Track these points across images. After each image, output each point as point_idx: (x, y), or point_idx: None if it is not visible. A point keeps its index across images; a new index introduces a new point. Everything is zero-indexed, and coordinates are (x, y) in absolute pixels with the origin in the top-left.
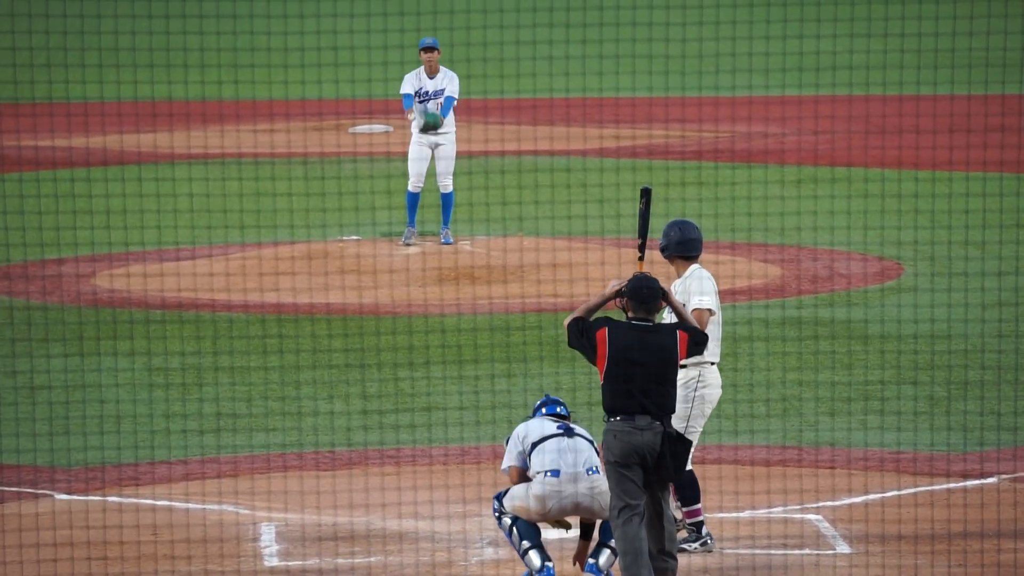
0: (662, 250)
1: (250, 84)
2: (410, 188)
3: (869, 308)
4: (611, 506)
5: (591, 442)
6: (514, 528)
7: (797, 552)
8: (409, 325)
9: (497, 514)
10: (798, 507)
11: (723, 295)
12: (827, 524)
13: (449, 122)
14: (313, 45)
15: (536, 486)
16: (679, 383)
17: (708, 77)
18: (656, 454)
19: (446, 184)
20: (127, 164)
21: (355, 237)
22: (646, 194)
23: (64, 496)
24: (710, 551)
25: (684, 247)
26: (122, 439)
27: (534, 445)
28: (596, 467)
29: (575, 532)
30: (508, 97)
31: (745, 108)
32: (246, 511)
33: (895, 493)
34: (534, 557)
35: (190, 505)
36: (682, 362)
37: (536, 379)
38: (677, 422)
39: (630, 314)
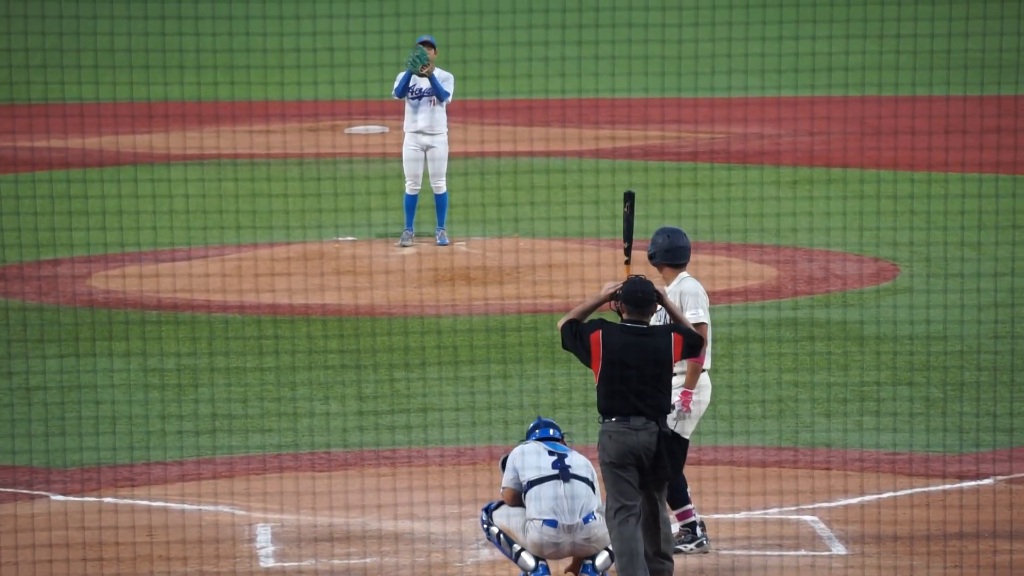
0: (650, 257)
1: (246, 85)
2: (407, 191)
3: (865, 309)
4: (607, 507)
5: (588, 482)
6: (502, 535)
7: (793, 553)
8: (405, 326)
9: (485, 525)
10: (794, 508)
11: (719, 296)
12: (823, 525)
13: (441, 124)
14: (309, 46)
15: (533, 532)
16: (672, 390)
17: (704, 78)
18: (652, 454)
19: (439, 186)
20: (123, 165)
21: (351, 238)
22: (630, 198)
23: (60, 497)
24: (706, 552)
25: (672, 255)
26: (118, 440)
27: (531, 483)
28: (593, 513)
29: None
30: (504, 98)
31: (741, 109)
32: (242, 512)
33: (891, 494)
34: (527, 558)
35: (186, 506)
36: (676, 370)
37: (532, 380)
38: (669, 424)
39: (624, 316)
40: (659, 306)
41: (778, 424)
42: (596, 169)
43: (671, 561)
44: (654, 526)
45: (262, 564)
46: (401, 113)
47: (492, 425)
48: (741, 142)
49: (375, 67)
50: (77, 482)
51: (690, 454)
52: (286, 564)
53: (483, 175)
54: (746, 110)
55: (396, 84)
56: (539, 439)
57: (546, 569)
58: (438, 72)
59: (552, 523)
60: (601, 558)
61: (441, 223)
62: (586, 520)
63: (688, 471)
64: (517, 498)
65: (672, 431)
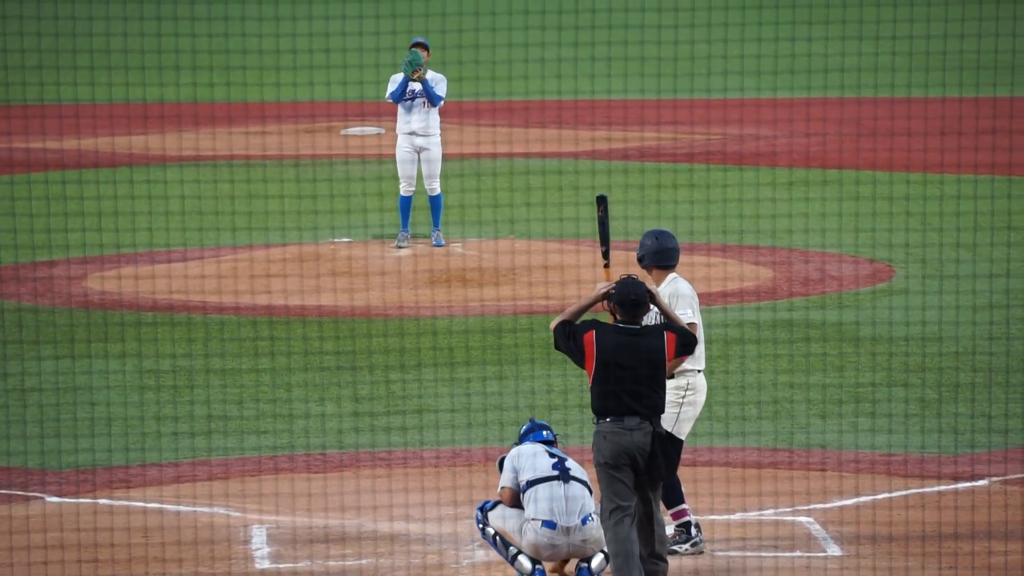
0: (639, 260)
1: (242, 86)
2: (402, 192)
3: (860, 310)
4: (602, 508)
5: (585, 484)
6: (498, 536)
7: (788, 554)
8: (400, 327)
9: (480, 525)
10: (789, 509)
11: (715, 297)
12: (818, 526)
13: (434, 125)
14: (305, 47)
15: (530, 533)
16: (668, 391)
17: (700, 79)
18: (647, 454)
19: (433, 187)
20: (119, 166)
21: (346, 239)
22: (602, 201)
23: (55, 498)
24: (701, 552)
25: (661, 256)
26: (113, 441)
27: (529, 483)
28: (591, 514)
29: None
30: (500, 99)
31: (737, 110)
32: (237, 513)
33: (886, 495)
34: (524, 561)
35: (181, 507)
36: (670, 371)
37: (528, 381)
38: (665, 426)
39: (617, 317)
40: (652, 306)
41: (773, 425)
42: (592, 170)
43: (665, 562)
44: (648, 527)
45: (257, 566)
46: (395, 115)
47: (487, 426)
48: (737, 143)
49: (371, 68)
50: (72, 483)
51: (685, 455)
52: (281, 566)
53: (479, 176)
54: (742, 111)
55: (392, 88)
56: (536, 442)
57: (543, 573)
58: (431, 74)
59: (551, 524)
60: (597, 560)
61: (436, 224)
62: (584, 522)
63: (683, 472)
64: (515, 498)
65: (667, 431)
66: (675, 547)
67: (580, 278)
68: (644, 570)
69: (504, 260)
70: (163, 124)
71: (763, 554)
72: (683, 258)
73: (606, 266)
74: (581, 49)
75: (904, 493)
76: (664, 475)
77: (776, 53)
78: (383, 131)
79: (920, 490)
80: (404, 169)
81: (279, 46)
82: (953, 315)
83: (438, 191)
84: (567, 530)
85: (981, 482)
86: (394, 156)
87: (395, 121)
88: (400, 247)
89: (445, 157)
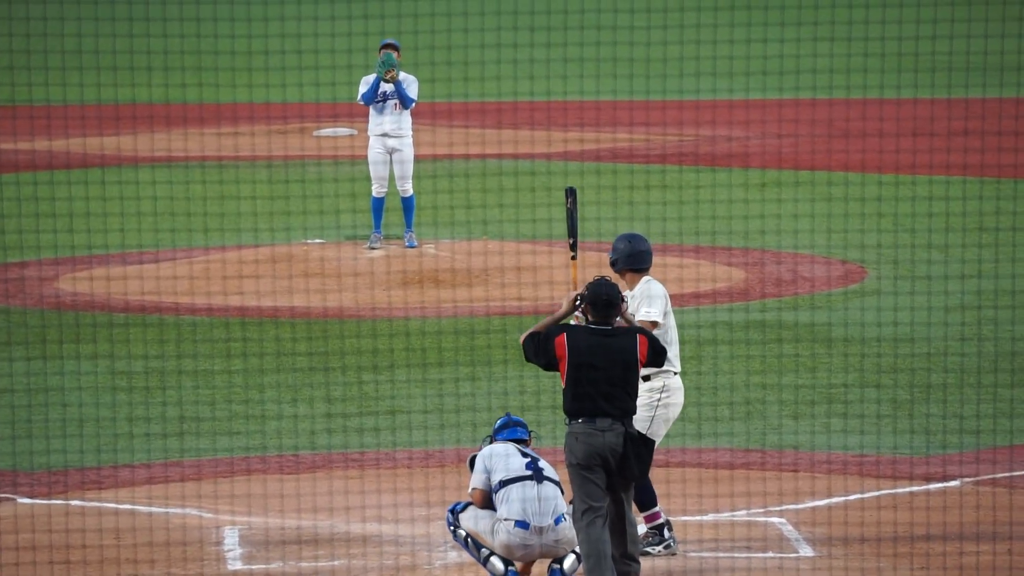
0: (612, 264)
1: (214, 87)
2: (374, 193)
3: (832, 311)
4: (574, 509)
5: (557, 484)
6: (470, 538)
7: (760, 555)
8: (373, 328)
9: (452, 527)
10: (761, 510)
11: (687, 298)
12: (790, 527)
13: (406, 126)
14: (277, 48)
15: (502, 534)
16: (643, 393)
17: (672, 81)
18: (619, 455)
19: (405, 188)
20: (90, 167)
21: (319, 240)
22: (571, 194)
23: (26, 500)
24: (673, 554)
25: (634, 260)
26: (84, 442)
27: (502, 483)
28: (563, 515)
29: None
30: (472, 100)
31: (709, 112)
32: (209, 515)
33: (858, 496)
34: (496, 562)
35: (153, 509)
36: (645, 372)
37: (500, 383)
38: (638, 428)
39: (589, 318)
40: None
41: (746, 426)
42: (564, 171)
43: (638, 563)
44: (621, 527)
45: (230, 567)
46: (367, 116)
47: (460, 427)
48: (709, 144)
49: (343, 69)
50: (44, 485)
51: (658, 456)
52: (254, 567)
53: (451, 177)
54: (714, 112)
55: (364, 90)
56: (509, 439)
57: (515, 574)
58: (402, 75)
59: (523, 524)
60: (569, 561)
61: (409, 226)
62: (556, 522)
63: (656, 473)
64: (486, 499)
65: (639, 432)
66: (648, 548)
67: (553, 279)
68: (616, 571)
69: (477, 261)
70: (135, 125)
71: (735, 555)
72: (656, 259)
73: (573, 258)
74: (554, 50)
75: (876, 494)
76: (636, 476)
77: (748, 54)
78: (355, 132)
79: (892, 491)
80: (376, 170)
81: (251, 47)
82: (925, 316)
83: (410, 192)
84: (540, 530)
85: (953, 483)
86: (366, 157)
87: (367, 122)
88: (373, 248)
89: (417, 158)
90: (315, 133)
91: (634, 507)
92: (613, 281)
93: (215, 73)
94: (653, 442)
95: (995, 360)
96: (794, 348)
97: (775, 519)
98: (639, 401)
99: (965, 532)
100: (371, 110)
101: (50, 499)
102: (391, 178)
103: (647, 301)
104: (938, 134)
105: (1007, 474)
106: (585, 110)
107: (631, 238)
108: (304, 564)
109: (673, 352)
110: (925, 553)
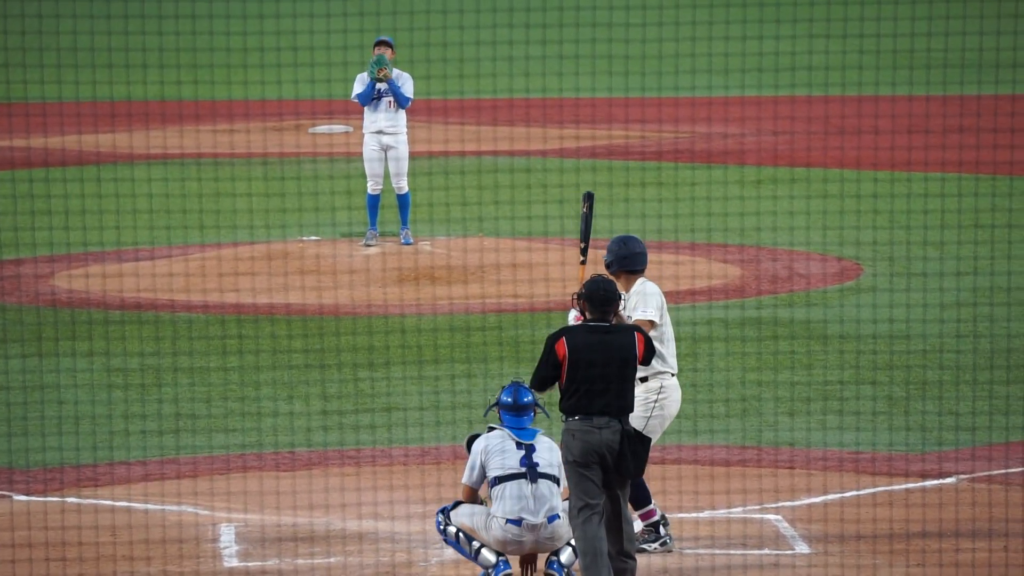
0: (607, 266)
1: (209, 84)
2: (369, 190)
3: (828, 308)
4: (570, 506)
5: (553, 479)
6: (460, 533)
7: (756, 552)
8: (369, 325)
9: (441, 527)
10: (757, 507)
11: (683, 295)
12: (786, 524)
13: (401, 124)
14: (273, 45)
15: (496, 530)
16: (640, 395)
17: (668, 78)
18: (616, 453)
19: (401, 185)
20: (86, 164)
21: (315, 237)
22: (588, 198)
23: (22, 497)
24: (670, 551)
25: (629, 262)
26: (81, 440)
27: (497, 479)
28: (558, 513)
29: None
30: (468, 97)
31: (705, 109)
32: (205, 512)
33: (854, 493)
34: (488, 554)
35: (149, 506)
36: (642, 374)
37: (496, 379)
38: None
39: (588, 315)
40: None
41: (742, 423)
42: (560, 169)
43: (634, 560)
44: (617, 525)
45: (226, 564)
46: (362, 113)
47: (456, 425)
48: (705, 141)
49: (339, 66)
50: (40, 482)
51: (653, 453)
52: (250, 564)
53: (447, 175)
54: (710, 110)
55: (359, 89)
56: (507, 425)
57: (506, 564)
58: (396, 72)
59: (516, 522)
60: (566, 554)
61: (405, 223)
62: (550, 520)
63: (652, 470)
64: (473, 495)
65: (636, 430)
66: (644, 545)
67: (549, 276)
68: (613, 568)
69: (472, 258)
70: (130, 122)
71: (731, 552)
72: (652, 257)
73: (582, 263)
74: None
75: (872, 491)
76: (633, 473)
77: (744, 52)
78: (351, 129)
79: (888, 488)
80: (371, 168)
81: (247, 44)
82: (921, 313)
83: (406, 189)
84: (532, 527)
85: (948, 480)
86: (362, 154)
87: (362, 120)
88: (368, 245)
89: (413, 155)
90: (310, 130)
91: (629, 505)
92: (611, 279)
93: (210, 70)
94: (650, 440)
95: (990, 357)
96: (790, 345)
97: (771, 516)
98: (636, 402)
99: (961, 529)
100: (366, 108)
101: (46, 496)
102: (386, 175)
103: (643, 301)
104: (933, 131)
105: (1002, 471)
106: (581, 107)
107: (626, 240)
108: (300, 561)
109: (669, 352)
110: (921, 550)
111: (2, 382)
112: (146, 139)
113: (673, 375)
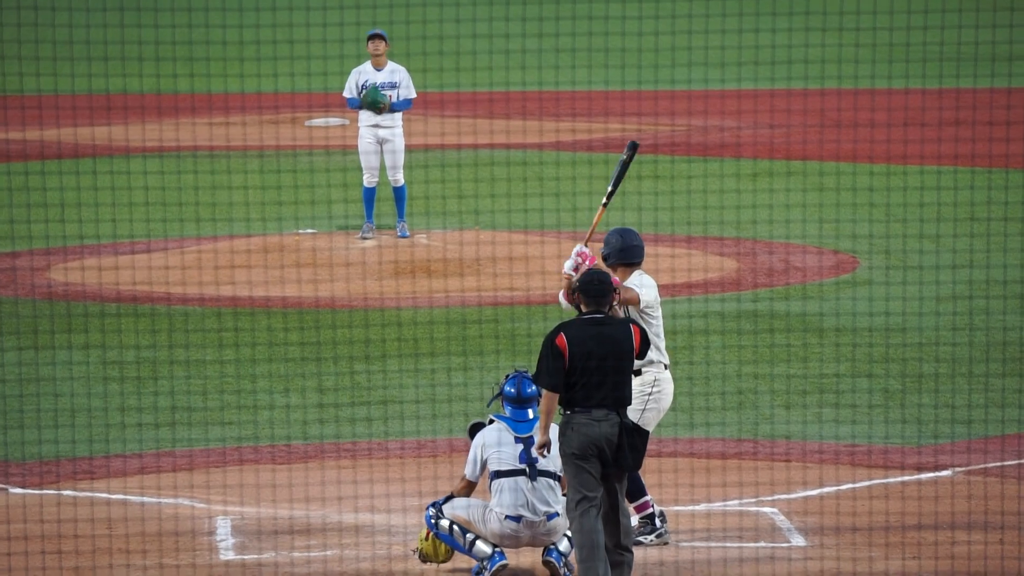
0: (604, 259)
1: (205, 77)
2: (365, 183)
3: (824, 301)
4: (568, 498)
5: (552, 475)
6: (454, 526)
7: (752, 545)
8: (365, 318)
9: (433, 520)
10: (753, 500)
11: (679, 288)
12: (782, 517)
13: (397, 116)
14: (268, 38)
15: (494, 523)
16: (635, 388)
17: (664, 71)
18: (614, 445)
19: (397, 178)
20: (82, 157)
21: (311, 230)
22: (632, 148)
23: (18, 490)
24: (666, 543)
25: (626, 254)
26: (76, 432)
27: (496, 474)
28: (556, 511)
29: None
30: (464, 90)
31: (701, 101)
32: (201, 505)
33: (850, 486)
34: (483, 546)
35: (145, 499)
36: (636, 367)
37: (492, 372)
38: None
39: (583, 308)
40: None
41: (738, 416)
42: (556, 161)
43: (631, 553)
44: (614, 518)
45: (222, 557)
46: None
47: (452, 417)
48: (701, 134)
49: (335, 59)
50: (36, 475)
51: (650, 446)
52: (246, 557)
53: (443, 167)
54: (706, 102)
55: (348, 94)
56: (510, 416)
57: (502, 555)
58: (391, 65)
59: (515, 519)
60: (564, 543)
61: (401, 215)
62: (549, 518)
63: (648, 463)
64: (471, 490)
65: (634, 423)
66: (640, 538)
67: (545, 269)
68: (609, 561)
69: (469, 251)
70: (126, 115)
71: (728, 545)
72: (648, 249)
73: (604, 204)
74: (545, 40)
75: (868, 483)
76: (631, 466)
77: (740, 44)
78: (347, 122)
79: (884, 480)
80: (367, 160)
81: (242, 36)
82: (916, 306)
83: (402, 182)
84: (531, 524)
85: (944, 472)
86: (357, 147)
87: (358, 112)
88: (365, 238)
89: (409, 148)
90: (307, 123)
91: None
92: (605, 271)
93: (206, 63)
94: (647, 432)
95: (987, 350)
96: (786, 338)
97: (767, 509)
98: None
99: (957, 521)
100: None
101: (42, 489)
102: (382, 168)
103: (642, 292)
104: (929, 124)
105: (998, 463)
106: (577, 100)
107: (623, 233)
108: (296, 554)
109: (662, 345)
110: (917, 543)
111: None
112: (142, 132)
113: (666, 367)
